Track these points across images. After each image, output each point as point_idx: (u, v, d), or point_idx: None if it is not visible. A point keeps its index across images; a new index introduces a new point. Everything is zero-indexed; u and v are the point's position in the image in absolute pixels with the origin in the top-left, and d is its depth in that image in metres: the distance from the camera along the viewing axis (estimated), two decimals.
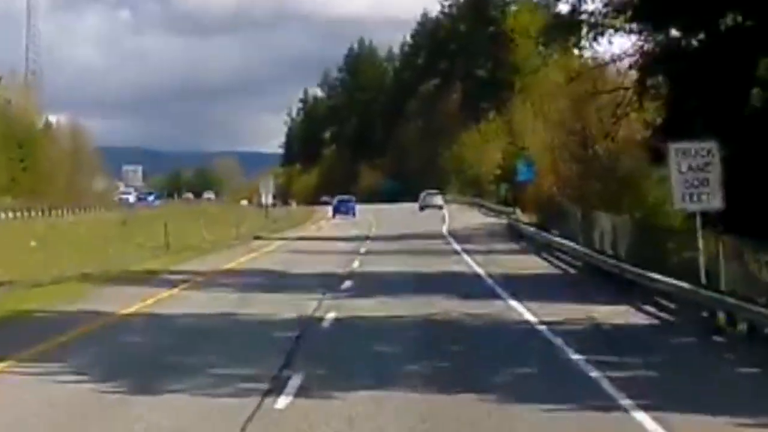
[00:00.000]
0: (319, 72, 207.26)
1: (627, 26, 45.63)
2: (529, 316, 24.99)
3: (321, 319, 24.45)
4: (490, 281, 33.42)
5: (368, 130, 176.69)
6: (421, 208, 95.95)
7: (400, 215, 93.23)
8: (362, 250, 48.83)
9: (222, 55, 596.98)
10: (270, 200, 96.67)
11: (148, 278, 34.98)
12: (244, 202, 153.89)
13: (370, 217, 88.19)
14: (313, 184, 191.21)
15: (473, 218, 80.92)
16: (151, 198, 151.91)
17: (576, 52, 47.94)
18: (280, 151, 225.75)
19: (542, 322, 23.85)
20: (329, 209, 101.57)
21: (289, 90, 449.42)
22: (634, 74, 39.39)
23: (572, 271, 38.06)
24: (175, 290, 31.10)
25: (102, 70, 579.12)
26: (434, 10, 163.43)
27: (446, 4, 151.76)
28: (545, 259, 42.91)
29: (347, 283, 32.79)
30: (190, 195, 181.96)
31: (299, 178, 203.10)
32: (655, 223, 39.70)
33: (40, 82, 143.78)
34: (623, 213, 45.83)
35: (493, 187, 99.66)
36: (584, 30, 47.98)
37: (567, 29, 42.70)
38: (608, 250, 38.08)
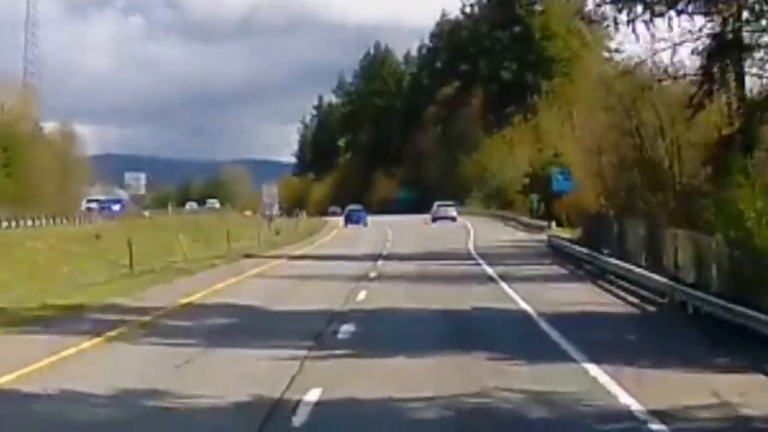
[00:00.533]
0: (334, 80, 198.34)
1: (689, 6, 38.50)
2: (628, 400, 15.43)
3: (295, 407, 14.90)
4: (547, 327, 23.80)
5: (384, 138, 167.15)
6: (434, 220, 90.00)
7: (418, 228, 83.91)
8: (372, 274, 39.36)
9: (234, 62, 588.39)
10: (275, 211, 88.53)
11: (70, 317, 25.45)
12: (248, 213, 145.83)
13: (385, 229, 79.03)
14: (327, 194, 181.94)
15: (502, 233, 71.39)
16: (116, 207, 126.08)
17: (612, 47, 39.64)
18: (294, 160, 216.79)
19: (654, 414, 14.37)
20: (339, 220, 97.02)
21: (303, 98, 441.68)
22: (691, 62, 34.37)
23: (651, 308, 28.41)
24: (88, 343, 21.30)
25: (113, 77, 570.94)
26: (454, 11, 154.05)
27: (468, 2, 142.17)
28: (607, 290, 33.25)
29: (345, 330, 23.26)
30: (194, 204, 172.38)
31: (312, 187, 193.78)
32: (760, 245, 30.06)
33: (39, 89, 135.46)
34: (700, 230, 36.35)
35: (521, 198, 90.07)
36: (639, 7, 39.24)
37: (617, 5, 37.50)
38: (686, 277, 28.84)
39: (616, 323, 25.46)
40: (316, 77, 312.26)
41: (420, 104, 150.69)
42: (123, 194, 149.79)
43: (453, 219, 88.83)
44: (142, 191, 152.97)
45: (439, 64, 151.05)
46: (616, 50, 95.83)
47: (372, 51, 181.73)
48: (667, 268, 32.81)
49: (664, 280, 29.62)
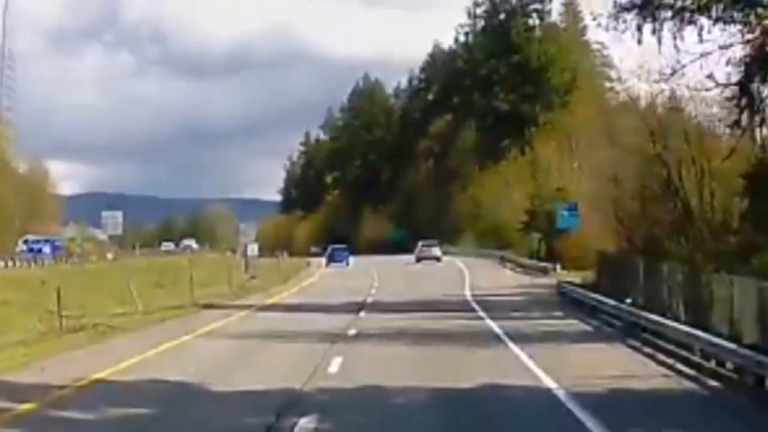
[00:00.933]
0: (322, 116, 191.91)
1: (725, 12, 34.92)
2: None
3: None
4: (585, 417, 16.71)
5: (373, 174, 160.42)
6: (418, 260, 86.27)
7: (408, 270, 77.02)
8: (351, 331, 32.24)
9: (223, 98, 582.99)
10: (255, 251, 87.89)
11: None
12: (229, 254, 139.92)
13: (371, 271, 72.22)
14: (313, 232, 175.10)
15: (501, 277, 64.49)
16: (46, 249, 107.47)
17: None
18: (279, 197, 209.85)
19: None
20: (322, 260, 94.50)
21: (291, 135, 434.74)
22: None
23: (714, 384, 21.27)
24: None
25: (100, 114, 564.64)
26: (447, 40, 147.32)
27: (462, 31, 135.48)
28: (646, 354, 26.09)
29: (304, 429, 16.09)
30: (170, 244, 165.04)
31: (298, 225, 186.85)
32: None
33: (16, 125, 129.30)
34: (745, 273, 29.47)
35: (519, 236, 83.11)
36: (667, 13, 35.63)
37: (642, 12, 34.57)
38: (745, 336, 22.37)
39: (679, 408, 18.38)
40: (306, 113, 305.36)
41: (411, 138, 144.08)
42: (67, 237, 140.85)
43: (437, 259, 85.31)
44: (119, 231, 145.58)
45: (431, 97, 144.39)
46: (618, 79, 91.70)
47: (361, 84, 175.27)
48: (717, 324, 25.97)
49: (727, 344, 22.56)
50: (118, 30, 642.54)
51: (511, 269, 72.57)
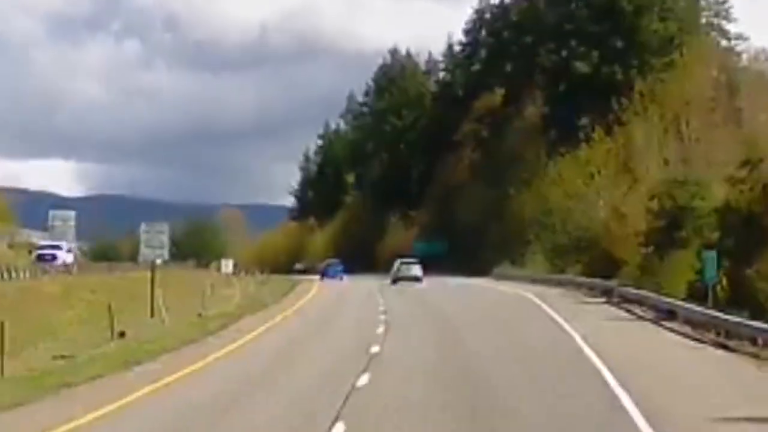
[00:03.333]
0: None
1: None
2: None
3: None
4: None
5: (402, 170, 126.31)
6: (394, 281, 75.39)
7: (442, 302, 44.46)
8: None
9: (237, 94, 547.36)
10: (229, 268, 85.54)
11: None
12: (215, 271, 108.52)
13: (389, 302, 47.44)
14: (328, 244, 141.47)
15: (632, 335, 30.76)
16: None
17: None
18: (293, 201, 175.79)
19: None
20: (315, 280, 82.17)
21: (310, 134, 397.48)
22: None
23: None
24: None
25: (105, 108, 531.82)
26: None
27: None
28: None
29: None
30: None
31: (312, 235, 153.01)
32: None
33: None
34: None
35: (637, 254, 48.62)
36: None
37: None
38: None
39: None
40: (328, 110, 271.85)
41: (451, 122, 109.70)
42: None
43: (418, 280, 74.71)
44: (71, 237, 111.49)
45: (477, 66, 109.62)
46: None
47: (389, 60, 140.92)
48: None
49: None
50: (125, 17, 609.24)
51: (673, 331, 34.95)
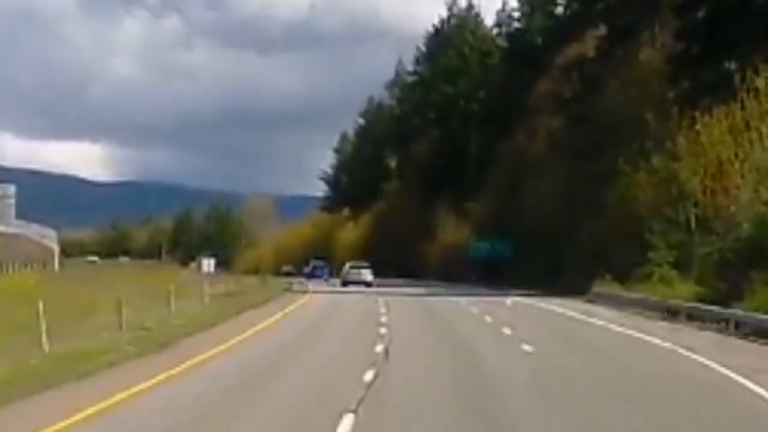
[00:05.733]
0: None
1: None
2: None
3: None
4: None
5: (456, 149, 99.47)
6: (344, 284, 71.77)
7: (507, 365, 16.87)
8: None
9: (283, 75, 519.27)
10: (211, 268, 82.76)
11: None
12: (193, 266, 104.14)
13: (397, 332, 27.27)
14: (361, 239, 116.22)
15: None
16: None
17: None
18: (325, 188, 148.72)
19: None
20: (307, 284, 74.20)
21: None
22: None
23: None
24: None
25: (139, 89, 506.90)
26: None
27: None
28: None
29: None
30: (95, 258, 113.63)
31: (343, 229, 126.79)
32: None
33: None
34: None
35: None
36: None
37: None
38: None
39: None
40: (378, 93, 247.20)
41: (522, 84, 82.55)
42: None
43: (368, 284, 70.05)
44: (8, 216, 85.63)
45: (561, 8, 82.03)
46: None
47: (445, 14, 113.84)
48: None
49: None
50: None
51: None
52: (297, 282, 75.99)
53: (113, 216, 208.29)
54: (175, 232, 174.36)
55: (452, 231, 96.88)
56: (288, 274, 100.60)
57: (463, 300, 49.36)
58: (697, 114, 49.35)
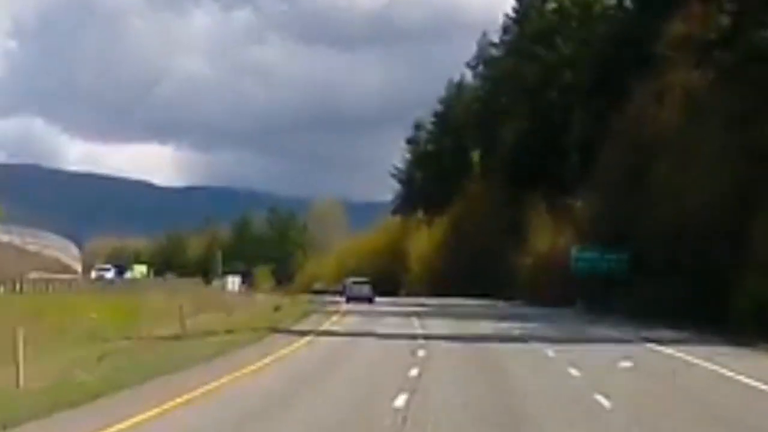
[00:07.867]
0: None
1: None
2: None
3: None
4: None
5: (552, 131, 77.87)
6: (348, 300, 74.34)
7: None
8: None
9: (362, 73, 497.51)
10: (235, 287, 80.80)
11: None
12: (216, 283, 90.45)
13: None
14: (437, 246, 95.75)
15: None
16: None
17: None
18: (398, 188, 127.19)
19: None
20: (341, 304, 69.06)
21: None
22: None
23: None
24: None
25: (209, 88, 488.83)
26: None
27: None
28: None
29: None
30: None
31: (417, 234, 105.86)
32: None
33: None
34: None
35: None
36: None
37: None
38: None
39: None
40: None
41: (642, 37, 60.54)
42: None
43: (369, 300, 73.56)
44: None
45: None
46: None
47: None
48: None
49: None
50: None
51: None
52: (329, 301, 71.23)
53: (178, 223, 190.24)
54: (234, 240, 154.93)
55: (548, 236, 75.36)
56: (319, 292, 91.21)
57: (555, 354, 28.10)
58: None
